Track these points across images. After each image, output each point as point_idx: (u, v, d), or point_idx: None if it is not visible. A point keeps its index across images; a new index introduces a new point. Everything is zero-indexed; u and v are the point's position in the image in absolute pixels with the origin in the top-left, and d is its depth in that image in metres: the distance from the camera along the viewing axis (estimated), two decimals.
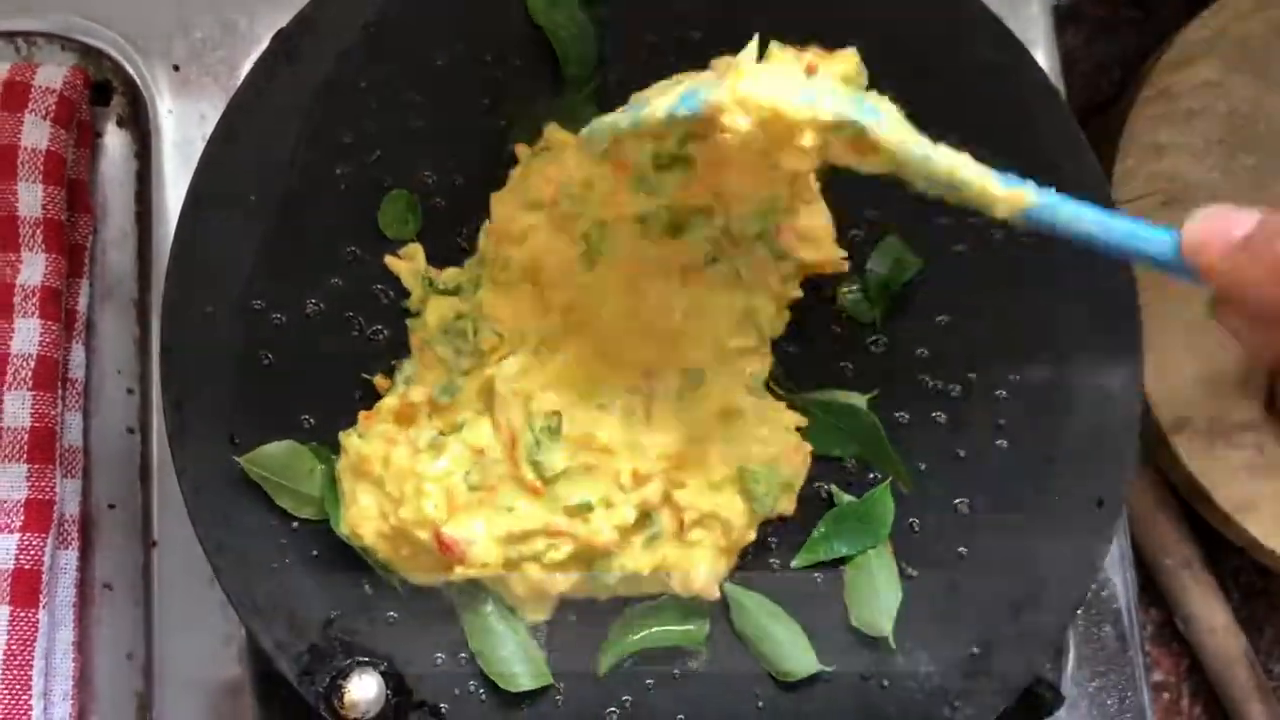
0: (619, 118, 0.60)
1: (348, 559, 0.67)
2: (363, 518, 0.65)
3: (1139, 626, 0.81)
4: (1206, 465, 0.84)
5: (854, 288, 0.71)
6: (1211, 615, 0.87)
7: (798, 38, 0.69)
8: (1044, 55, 0.84)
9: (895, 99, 0.69)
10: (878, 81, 0.69)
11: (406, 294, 0.69)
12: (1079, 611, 0.79)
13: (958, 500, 0.69)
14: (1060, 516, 0.68)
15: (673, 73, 0.67)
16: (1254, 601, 0.90)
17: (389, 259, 0.69)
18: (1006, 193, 0.53)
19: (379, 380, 0.69)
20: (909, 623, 0.68)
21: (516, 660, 0.66)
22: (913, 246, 0.71)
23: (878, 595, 0.68)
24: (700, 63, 0.67)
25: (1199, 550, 0.88)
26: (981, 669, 0.67)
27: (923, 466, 0.70)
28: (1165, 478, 0.88)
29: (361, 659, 0.64)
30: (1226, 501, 0.84)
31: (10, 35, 0.80)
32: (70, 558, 0.76)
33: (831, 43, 0.69)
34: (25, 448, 0.74)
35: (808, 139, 0.55)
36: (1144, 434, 0.85)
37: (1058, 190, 0.58)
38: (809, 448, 0.69)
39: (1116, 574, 0.80)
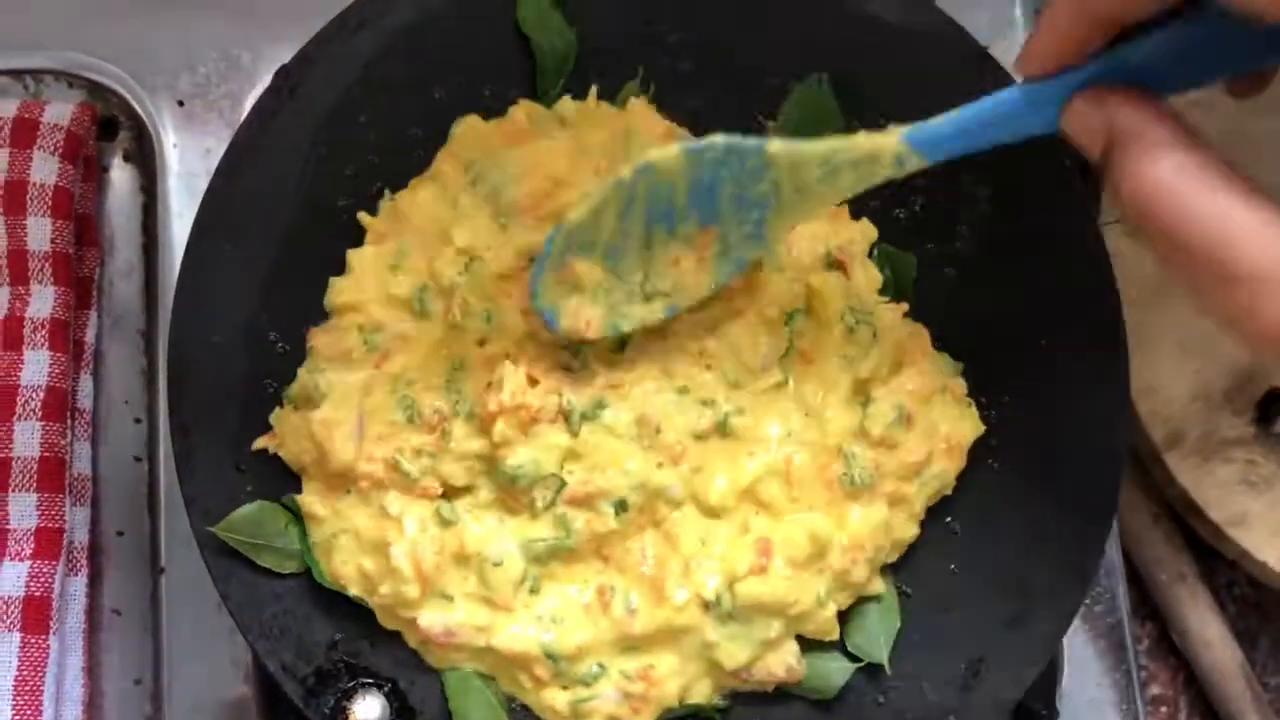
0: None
1: None
2: (345, 571, 0.66)
3: (1134, 640, 0.82)
4: (1199, 481, 0.85)
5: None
6: (1206, 628, 0.87)
7: (770, 59, 0.72)
8: None
9: (879, 121, 0.72)
10: (861, 106, 0.72)
11: None
12: (1075, 625, 0.80)
13: (949, 518, 0.70)
14: (1051, 533, 0.69)
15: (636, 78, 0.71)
16: (1249, 614, 0.90)
17: None
18: (886, 140, 0.57)
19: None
20: (904, 638, 0.69)
21: None
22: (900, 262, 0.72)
23: (875, 624, 0.69)
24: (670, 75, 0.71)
25: (1193, 564, 0.88)
26: (975, 684, 0.67)
27: None
28: (1159, 494, 0.88)
29: (365, 680, 0.66)
30: (1219, 516, 0.84)
31: (19, 73, 0.82)
32: (80, 585, 0.76)
33: (806, 64, 0.71)
34: (35, 477, 0.75)
35: None
36: (1137, 451, 0.86)
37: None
38: None
39: (1110, 588, 0.81)
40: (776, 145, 0.59)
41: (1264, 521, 0.84)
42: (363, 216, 0.70)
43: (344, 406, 0.66)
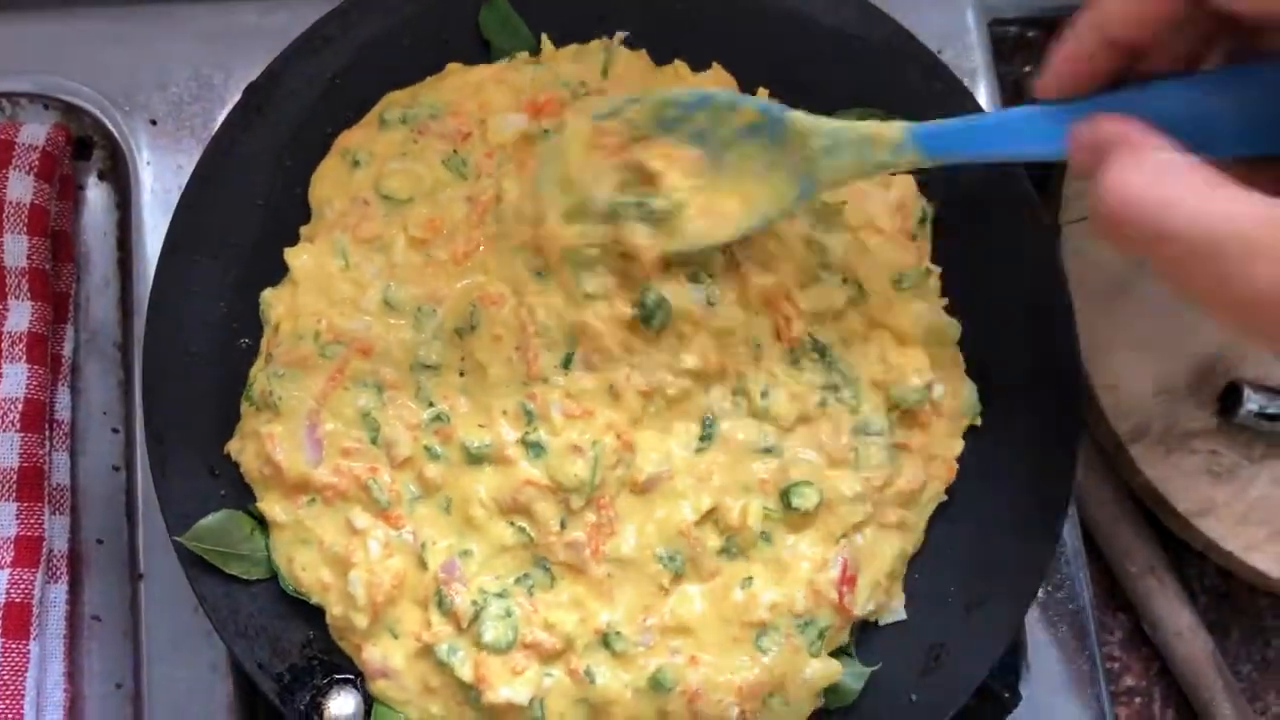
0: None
1: None
2: (305, 579, 0.67)
3: (1097, 627, 0.82)
4: (1164, 472, 0.86)
5: None
6: (1177, 618, 0.88)
7: (741, 76, 0.73)
8: (984, 84, 0.86)
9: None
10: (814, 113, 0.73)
11: None
12: (1037, 612, 0.81)
13: None
14: (1009, 520, 0.70)
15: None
16: (1219, 604, 0.90)
17: None
18: (889, 128, 0.58)
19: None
20: (867, 625, 0.70)
21: None
22: None
23: None
24: None
25: (1162, 555, 0.89)
26: (937, 668, 0.69)
27: None
28: (1126, 486, 0.89)
29: (340, 676, 0.66)
30: (1185, 507, 0.85)
31: None
32: (60, 592, 0.77)
33: (759, 74, 0.73)
34: (15, 486, 0.76)
35: None
36: (1102, 444, 0.87)
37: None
38: None
39: (1073, 575, 0.82)
40: (796, 114, 0.61)
41: (1229, 511, 0.85)
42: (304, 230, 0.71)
43: (294, 418, 0.67)
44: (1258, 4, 0.48)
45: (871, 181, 0.71)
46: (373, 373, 0.67)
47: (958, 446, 0.70)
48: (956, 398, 0.70)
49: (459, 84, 0.71)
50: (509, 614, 0.65)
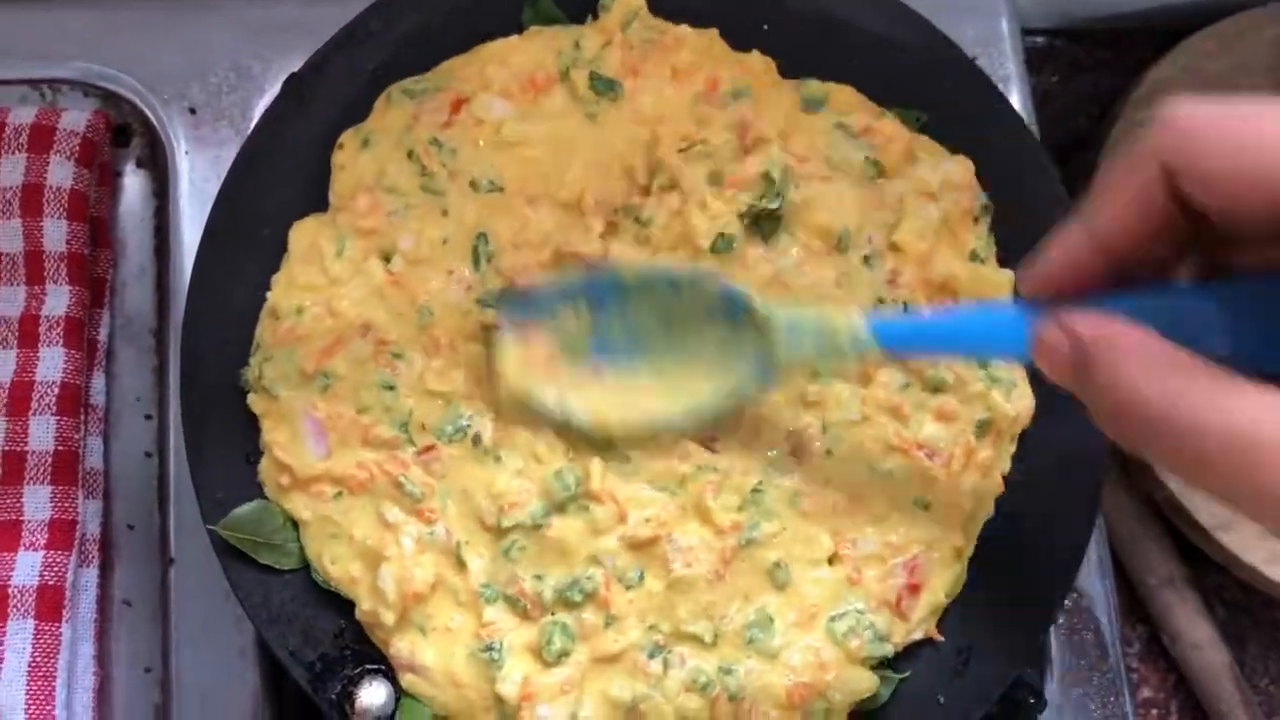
0: None
1: None
2: (335, 573, 0.67)
3: (1119, 635, 0.83)
4: (1186, 484, 0.86)
5: None
6: (1195, 631, 0.88)
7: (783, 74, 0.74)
8: (1016, 91, 0.87)
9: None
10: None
11: None
12: (1060, 620, 0.81)
13: None
14: (1037, 528, 0.70)
15: None
16: (1238, 617, 0.91)
17: None
18: (850, 321, 0.57)
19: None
20: None
21: None
22: None
23: None
24: None
25: (1182, 568, 0.89)
26: (966, 671, 0.69)
27: None
28: (1148, 498, 0.89)
29: (371, 666, 0.66)
30: (1206, 519, 0.86)
31: (37, 82, 0.84)
32: (91, 575, 0.78)
33: (804, 77, 0.73)
34: (50, 470, 0.76)
35: None
36: (1125, 456, 0.88)
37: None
38: None
39: (1097, 584, 0.82)
40: (756, 300, 0.60)
41: (1250, 524, 0.85)
42: None
43: (291, 415, 0.67)
44: (1227, 196, 0.45)
45: (932, 164, 0.71)
46: (381, 348, 0.67)
47: (1008, 463, 0.70)
48: (1019, 405, 0.70)
49: (467, 59, 0.71)
50: (565, 629, 0.64)
